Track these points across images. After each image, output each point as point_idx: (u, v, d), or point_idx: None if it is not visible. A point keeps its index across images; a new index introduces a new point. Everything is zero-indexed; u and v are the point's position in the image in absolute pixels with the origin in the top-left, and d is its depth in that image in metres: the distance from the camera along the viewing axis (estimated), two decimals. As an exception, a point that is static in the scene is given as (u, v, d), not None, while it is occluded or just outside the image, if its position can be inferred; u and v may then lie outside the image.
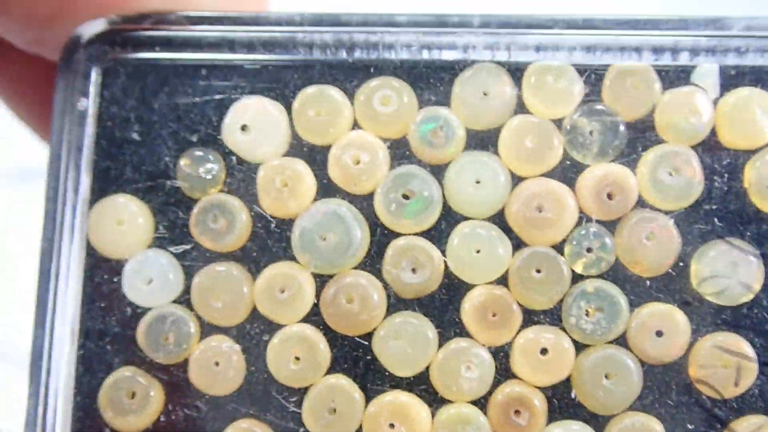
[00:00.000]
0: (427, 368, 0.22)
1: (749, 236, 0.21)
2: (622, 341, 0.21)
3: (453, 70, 0.22)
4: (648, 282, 0.21)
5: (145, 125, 0.22)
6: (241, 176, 0.22)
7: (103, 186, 0.22)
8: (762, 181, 0.21)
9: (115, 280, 0.22)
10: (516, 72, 0.21)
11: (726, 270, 0.21)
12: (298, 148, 0.22)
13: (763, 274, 0.21)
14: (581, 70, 0.21)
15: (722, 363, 0.20)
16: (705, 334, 0.21)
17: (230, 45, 0.22)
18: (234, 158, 0.22)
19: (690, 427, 0.20)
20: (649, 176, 0.21)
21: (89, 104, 0.22)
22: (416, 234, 0.22)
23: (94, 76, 0.22)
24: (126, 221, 0.22)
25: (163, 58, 0.22)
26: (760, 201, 0.21)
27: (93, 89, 0.22)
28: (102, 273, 0.22)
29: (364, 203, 0.22)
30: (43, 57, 0.25)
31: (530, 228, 0.21)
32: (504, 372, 0.21)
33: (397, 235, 0.22)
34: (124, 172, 0.22)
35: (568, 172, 0.21)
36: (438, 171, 0.22)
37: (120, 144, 0.22)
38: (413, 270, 0.21)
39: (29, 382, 0.22)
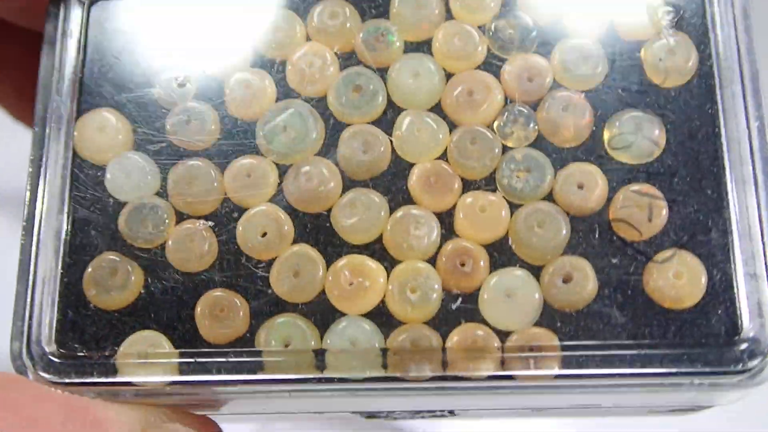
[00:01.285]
0: (381, 236, 0.24)
1: (647, 103, 0.24)
2: (549, 199, 0.24)
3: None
4: (568, 151, 0.25)
5: (126, 50, 0.26)
6: (211, 86, 0.25)
7: (88, 101, 0.25)
8: (656, 61, 0.24)
9: (99, 175, 0.25)
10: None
11: (631, 129, 0.24)
12: (261, 62, 0.26)
13: (665, 133, 0.24)
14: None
15: (635, 204, 0.24)
16: (620, 185, 0.24)
17: None
18: (203, 70, 0.26)
19: (613, 261, 0.23)
20: (560, 63, 0.25)
21: (76, 33, 0.26)
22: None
23: (80, 10, 0.26)
24: (107, 129, 0.25)
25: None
26: (655, 77, 0.25)
27: (79, 20, 0.26)
28: (87, 173, 0.25)
29: (318, 104, 0.25)
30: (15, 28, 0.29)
31: (463, 110, 0.25)
32: (450, 234, 0.24)
33: (349, 125, 0.25)
34: (106, 89, 0.26)
35: (494, 67, 0.25)
36: (381, 73, 0.25)
37: (102, 66, 0.26)
38: (364, 151, 0.25)
39: (19, 268, 0.24)
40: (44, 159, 0.27)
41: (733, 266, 0.25)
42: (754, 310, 0.24)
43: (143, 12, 0.29)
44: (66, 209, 0.27)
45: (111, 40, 0.28)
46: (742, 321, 0.25)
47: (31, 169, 0.27)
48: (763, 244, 0.25)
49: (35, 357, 0.25)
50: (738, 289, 0.25)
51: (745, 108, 0.26)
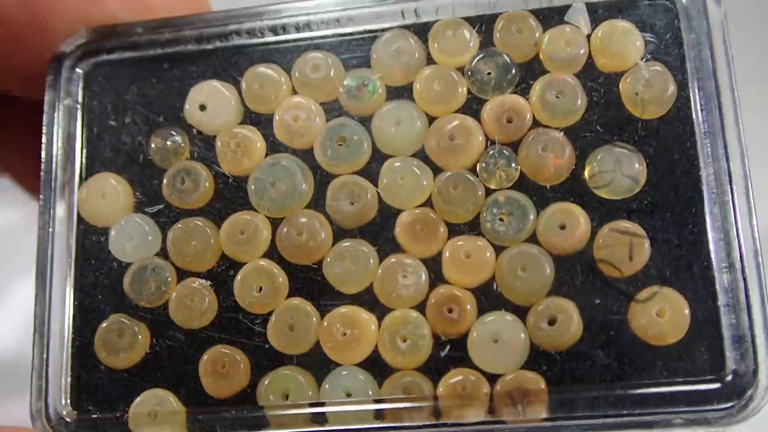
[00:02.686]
0: (371, 285, 0.25)
1: (626, 137, 0.25)
2: (533, 240, 0.25)
3: (371, 37, 0.27)
4: (550, 190, 0.25)
5: (120, 113, 0.27)
6: (202, 145, 0.27)
7: (89, 166, 0.27)
8: (634, 93, 0.25)
9: (103, 240, 0.26)
10: (422, 32, 0.26)
11: (610, 166, 0.25)
12: (249, 117, 0.27)
13: (645, 168, 0.25)
14: (474, 22, 0.26)
15: (617, 243, 0.24)
16: (602, 224, 0.25)
17: (183, 40, 0.27)
18: (195, 131, 0.27)
19: (597, 302, 0.24)
20: (539, 100, 0.26)
21: (73, 102, 0.27)
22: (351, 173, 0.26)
23: (76, 79, 0.27)
24: (108, 194, 0.27)
25: (130, 57, 0.27)
26: (633, 109, 0.25)
27: (76, 90, 0.27)
28: (91, 238, 0.26)
29: (306, 156, 0.26)
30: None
31: (445, 155, 0.26)
32: (437, 280, 0.25)
33: (336, 176, 0.26)
34: (106, 153, 0.27)
35: (473, 109, 0.26)
36: (365, 122, 0.26)
37: (101, 131, 0.27)
38: (351, 203, 0.26)
39: (34, 334, 0.26)
40: (51, 226, 0.29)
41: (715, 300, 0.25)
42: (738, 343, 0.25)
43: (136, 72, 0.30)
44: (72, 274, 0.28)
45: (107, 103, 0.30)
46: (726, 355, 0.25)
47: (39, 235, 0.29)
48: (744, 277, 0.25)
49: (53, 419, 0.27)
50: (722, 323, 0.25)
51: (724, 138, 0.26)
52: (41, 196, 0.29)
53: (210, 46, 0.30)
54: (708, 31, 0.27)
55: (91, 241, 0.29)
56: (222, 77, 0.29)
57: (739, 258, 0.25)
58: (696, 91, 0.27)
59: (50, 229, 0.29)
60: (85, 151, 0.29)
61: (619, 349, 0.26)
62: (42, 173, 0.29)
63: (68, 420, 0.27)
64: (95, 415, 0.27)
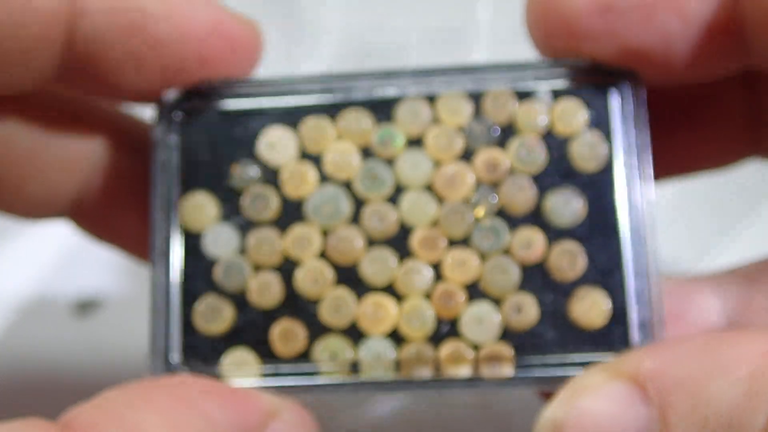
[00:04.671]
0: (394, 280, 0.38)
1: (574, 186, 0.38)
2: (508, 254, 0.38)
3: (394, 102, 0.39)
4: (520, 218, 0.38)
5: (212, 149, 0.39)
6: (270, 175, 0.39)
7: (186, 191, 0.39)
8: (579, 152, 0.38)
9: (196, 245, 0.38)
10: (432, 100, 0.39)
11: (561, 202, 0.37)
12: (305, 155, 0.39)
13: (587, 209, 0.37)
14: (473, 96, 0.38)
15: (564, 256, 0.37)
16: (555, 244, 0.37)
17: (257, 94, 0.39)
18: (264, 165, 0.39)
19: (551, 297, 0.37)
20: (515, 155, 0.38)
21: (176, 139, 0.39)
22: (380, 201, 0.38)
23: (178, 121, 0.39)
24: (202, 207, 0.39)
25: (220, 107, 0.39)
26: (579, 163, 0.38)
27: (178, 129, 0.39)
28: (190, 240, 0.38)
29: (347, 187, 0.38)
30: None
31: (447, 190, 0.38)
32: (439, 278, 0.38)
33: (368, 201, 0.38)
34: (200, 180, 0.39)
35: (468, 157, 0.38)
36: (390, 163, 0.39)
37: (197, 163, 0.39)
38: (379, 220, 0.38)
39: (151, 307, 0.38)
40: (159, 237, 0.40)
41: (626, 298, 0.39)
42: (642, 329, 0.38)
43: (222, 118, 0.42)
44: (178, 266, 0.40)
45: (200, 141, 0.41)
46: (631, 335, 0.38)
47: (150, 240, 0.41)
48: (649, 284, 0.38)
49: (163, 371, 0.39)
50: (629, 315, 0.39)
51: (637, 183, 0.39)
52: (151, 209, 0.41)
53: (281, 104, 0.41)
54: (635, 114, 0.40)
55: (189, 243, 0.41)
56: (285, 124, 0.41)
57: (645, 269, 0.39)
58: (619, 149, 0.40)
59: (158, 238, 0.40)
60: (185, 179, 0.41)
61: (563, 331, 0.39)
62: (151, 200, 0.41)
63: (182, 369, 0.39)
64: (198, 365, 0.40)
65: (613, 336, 0.39)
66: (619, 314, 0.39)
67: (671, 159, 0.46)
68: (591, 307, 0.39)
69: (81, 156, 0.43)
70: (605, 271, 0.39)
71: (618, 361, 0.35)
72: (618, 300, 0.39)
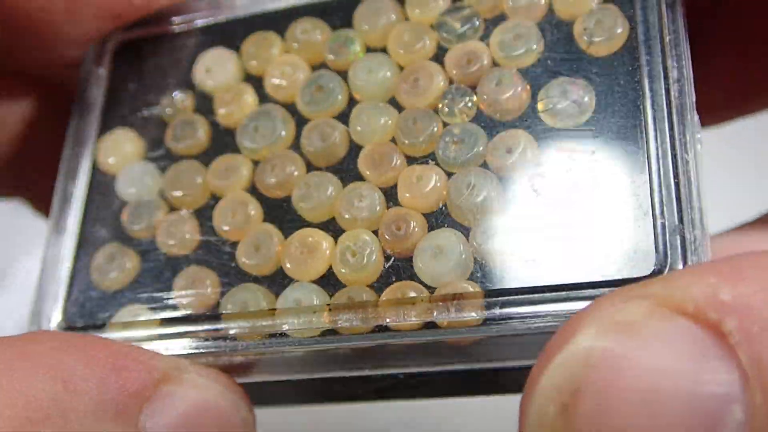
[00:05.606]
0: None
1: (579, 73, 0.27)
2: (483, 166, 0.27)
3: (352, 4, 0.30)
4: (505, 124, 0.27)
5: (139, 80, 0.32)
6: (204, 101, 0.31)
7: (109, 124, 0.32)
8: (587, 33, 0.27)
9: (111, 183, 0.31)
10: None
11: (558, 94, 0.27)
12: (246, 76, 0.31)
13: (595, 100, 0.26)
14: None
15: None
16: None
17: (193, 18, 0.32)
18: (198, 90, 0.31)
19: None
20: (497, 44, 0.28)
21: (102, 74, 0.32)
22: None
23: (107, 53, 0.33)
24: (119, 144, 0.31)
25: (151, 34, 0.32)
26: (586, 47, 0.27)
27: (107, 62, 0.33)
28: (102, 182, 0.31)
29: (291, 107, 0.30)
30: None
31: (410, 96, 0.29)
32: (393, 205, 0.27)
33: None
34: (123, 113, 0.32)
35: (441, 58, 0.29)
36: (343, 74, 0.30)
37: (122, 96, 0.32)
38: (322, 140, 0.29)
39: (43, 258, 0.30)
40: (69, 173, 0.33)
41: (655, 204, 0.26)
42: (660, 244, 0.25)
43: (156, 47, 0.35)
44: (81, 211, 0.32)
45: (130, 72, 0.35)
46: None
47: (58, 180, 0.33)
48: (678, 197, 0.26)
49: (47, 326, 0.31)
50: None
51: (665, 72, 0.27)
52: (65, 146, 0.34)
53: (218, 20, 0.34)
54: None
55: (100, 184, 0.33)
56: (224, 44, 0.34)
57: (673, 180, 0.26)
58: (642, 27, 0.28)
59: (67, 176, 0.33)
60: (105, 110, 0.34)
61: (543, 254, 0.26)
62: (69, 128, 0.34)
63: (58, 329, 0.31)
64: (82, 326, 0.31)
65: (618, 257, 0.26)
66: (648, 225, 0.26)
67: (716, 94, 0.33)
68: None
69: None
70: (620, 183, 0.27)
71: (668, 285, 0.22)
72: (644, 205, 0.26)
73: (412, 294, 0.27)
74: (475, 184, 0.28)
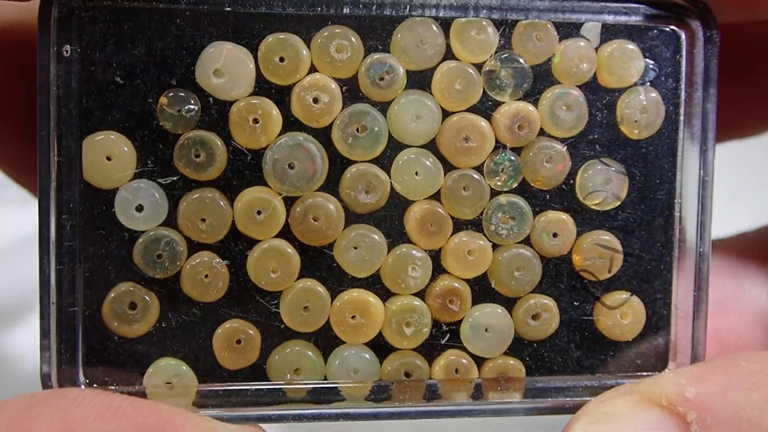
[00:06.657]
0: (379, 270, 0.28)
1: (619, 157, 0.28)
2: (527, 242, 0.28)
3: (392, 23, 0.27)
4: (546, 194, 0.28)
5: (126, 69, 0.26)
6: (215, 113, 0.27)
7: (91, 126, 0.26)
8: (630, 115, 0.28)
9: (107, 208, 0.26)
10: (444, 26, 0.27)
11: (602, 185, 0.28)
12: (264, 89, 0.27)
13: (627, 186, 0.28)
14: (497, 24, 0.27)
15: (599, 255, 0.28)
16: (586, 232, 0.29)
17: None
18: (210, 99, 0.27)
19: (576, 303, 0.28)
20: (549, 111, 0.28)
21: (71, 51, 0.26)
22: (367, 161, 0.27)
23: (74, 25, 0.26)
24: (114, 156, 0.26)
25: (137, 7, 0.26)
26: (627, 130, 0.28)
27: (73, 37, 0.26)
28: (96, 203, 0.26)
29: (322, 136, 0.27)
30: None
31: (459, 155, 0.28)
32: (439, 269, 0.28)
33: (351, 162, 0.27)
34: (110, 113, 0.26)
35: (486, 107, 0.28)
36: (383, 107, 0.27)
37: (104, 87, 0.26)
38: (367, 192, 0.27)
39: (40, 305, 0.26)
40: (50, 184, 0.28)
41: (670, 309, 0.31)
42: (683, 347, 0.31)
43: (143, 24, 0.28)
44: (78, 240, 0.28)
45: (112, 55, 0.28)
46: (671, 354, 0.31)
47: (39, 199, 0.28)
48: (698, 290, 0.31)
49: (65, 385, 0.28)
50: (672, 328, 0.31)
51: (701, 164, 0.31)
52: (38, 157, 0.28)
53: (226, 9, 0.29)
54: (706, 67, 0.30)
55: (95, 206, 0.28)
56: (237, 41, 0.29)
57: (695, 276, 0.31)
58: (684, 118, 0.31)
59: (50, 192, 0.28)
60: (85, 108, 0.28)
61: (588, 344, 0.31)
62: (38, 131, 0.28)
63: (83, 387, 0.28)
64: (111, 386, 0.29)
65: (648, 353, 0.31)
66: (657, 327, 0.31)
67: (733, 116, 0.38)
68: (624, 317, 0.31)
69: None
70: (648, 277, 0.31)
71: (649, 384, 0.28)
72: (657, 310, 0.31)
73: (464, 363, 0.30)
74: (525, 267, 0.31)
